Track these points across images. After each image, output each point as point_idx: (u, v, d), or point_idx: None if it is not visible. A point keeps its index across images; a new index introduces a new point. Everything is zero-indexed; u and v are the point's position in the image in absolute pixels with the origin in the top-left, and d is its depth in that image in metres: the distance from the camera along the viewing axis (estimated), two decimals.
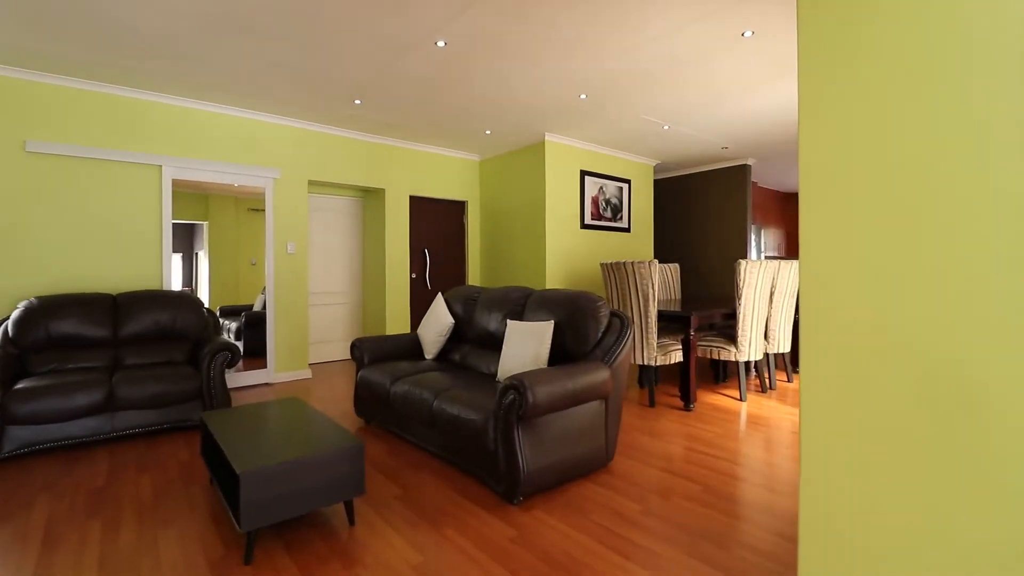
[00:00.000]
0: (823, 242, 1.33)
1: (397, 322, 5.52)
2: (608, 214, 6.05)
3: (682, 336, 4.01)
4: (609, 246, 6.09)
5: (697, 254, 7.15)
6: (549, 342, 2.71)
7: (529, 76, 3.76)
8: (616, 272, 3.91)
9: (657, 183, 7.59)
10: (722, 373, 4.62)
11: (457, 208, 6.19)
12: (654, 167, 6.80)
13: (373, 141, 5.32)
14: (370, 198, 5.71)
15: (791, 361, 5.21)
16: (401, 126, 4.99)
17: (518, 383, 2.18)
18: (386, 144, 5.43)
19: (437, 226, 5.99)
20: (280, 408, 2.50)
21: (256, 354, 4.66)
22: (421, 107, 4.43)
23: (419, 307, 5.76)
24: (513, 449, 2.21)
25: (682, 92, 4.14)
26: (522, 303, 3.13)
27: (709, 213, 7.02)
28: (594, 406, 2.51)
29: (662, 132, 5.29)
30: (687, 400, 3.69)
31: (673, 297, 5.38)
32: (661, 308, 3.94)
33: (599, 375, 2.47)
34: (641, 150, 6.10)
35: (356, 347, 3.41)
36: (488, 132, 5.23)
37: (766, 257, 9.20)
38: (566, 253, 5.59)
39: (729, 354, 3.96)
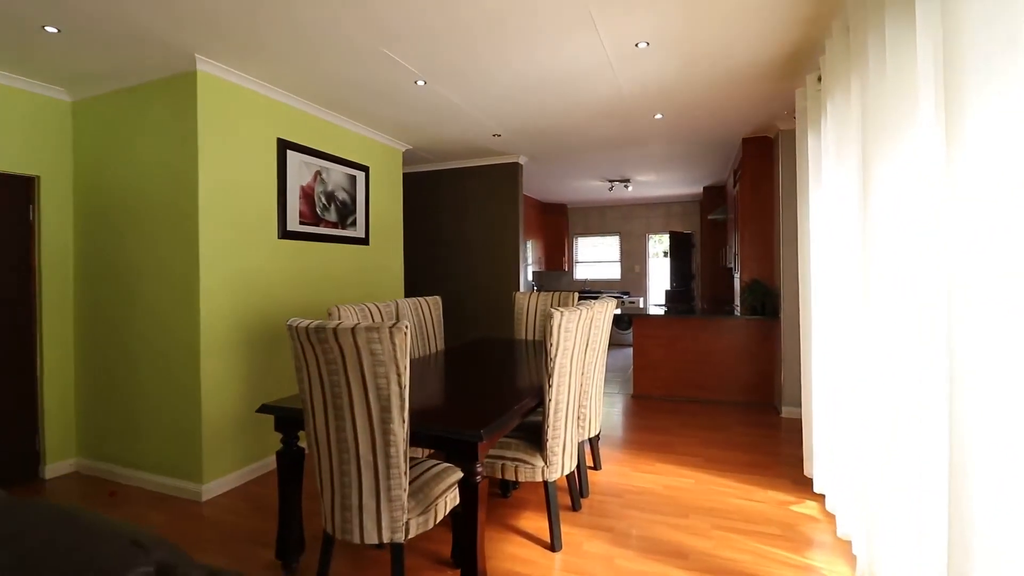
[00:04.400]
0: None
1: None
2: (332, 216, 3.83)
3: (456, 464, 2.12)
4: (336, 268, 3.87)
5: (460, 276, 5.50)
6: None
7: None
8: (318, 344, 1.76)
9: (407, 178, 5.68)
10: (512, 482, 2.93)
11: (13, 190, 3.09)
12: (403, 153, 4.87)
13: None
14: None
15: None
16: None
17: None
18: None
19: None
20: None
21: None
22: None
23: None
24: None
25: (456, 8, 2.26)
26: None
27: (475, 221, 5.44)
28: None
29: (415, 92, 3.36)
30: None
31: (432, 350, 3.50)
32: (416, 413, 1.96)
33: None
34: (385, 123, 4.07)
35: None
36: (54, 30, 2.45)
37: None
38: (251, 281, 3.16)
39: (533, 471, 2.25)
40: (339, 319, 2.62)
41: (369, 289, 4.25)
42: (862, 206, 1.85)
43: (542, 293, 3.91)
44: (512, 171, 5.27)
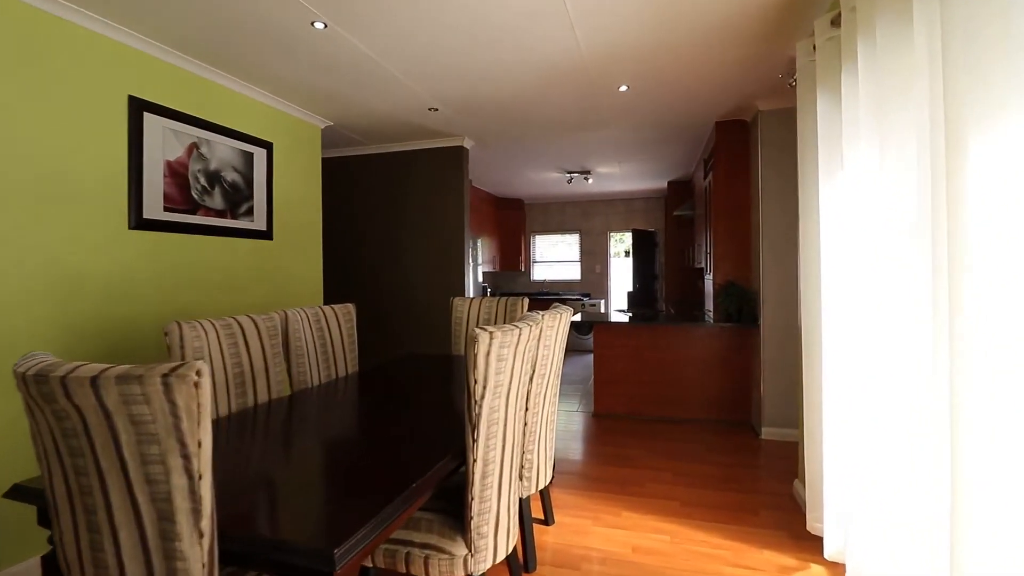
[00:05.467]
0: None
1: None
2: (216, 202, 3.01)
3: None
4: (223, 268, 3.06)
5: (396, 278, 4.73)
6: None
7: None
8: (45, 404, 1.00)
9: (329, 163, 4.88)
10: None
11: None
12: (324, 131, 4.08)
13: None
14: None
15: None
16: None
17: None
18: None
19: None
20: None
21: None
22: None
23: None
24: None
25: None
26: None
27: (414, 214, 4.69)
28: None
29: (316, 39, 2.60)
30: None
31: (341, 373, 2.74)
32: (237, 514, 1.23)
33: None
34: (291, 87, 3.27)
35: None
36: None
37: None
38: (82, 284, 2.32)
39: (451, 563, 1.55)
40: (180, 343, 1.84)
41: (273, 296, 3.44)
42: (940, 195, 1.24)
43: (485, 299, 3.22)
44: (456, 156, 4.56)
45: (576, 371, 6.34)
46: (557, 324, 2.10)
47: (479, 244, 6.18)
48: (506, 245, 8.21)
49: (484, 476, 1.54)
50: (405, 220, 4.69)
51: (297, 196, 3.70)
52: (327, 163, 4.82)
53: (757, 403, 3.79)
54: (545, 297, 8.21)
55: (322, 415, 2.04)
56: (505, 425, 1.62)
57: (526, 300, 3.11)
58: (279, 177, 3.51)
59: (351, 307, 2.81)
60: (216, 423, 1.86)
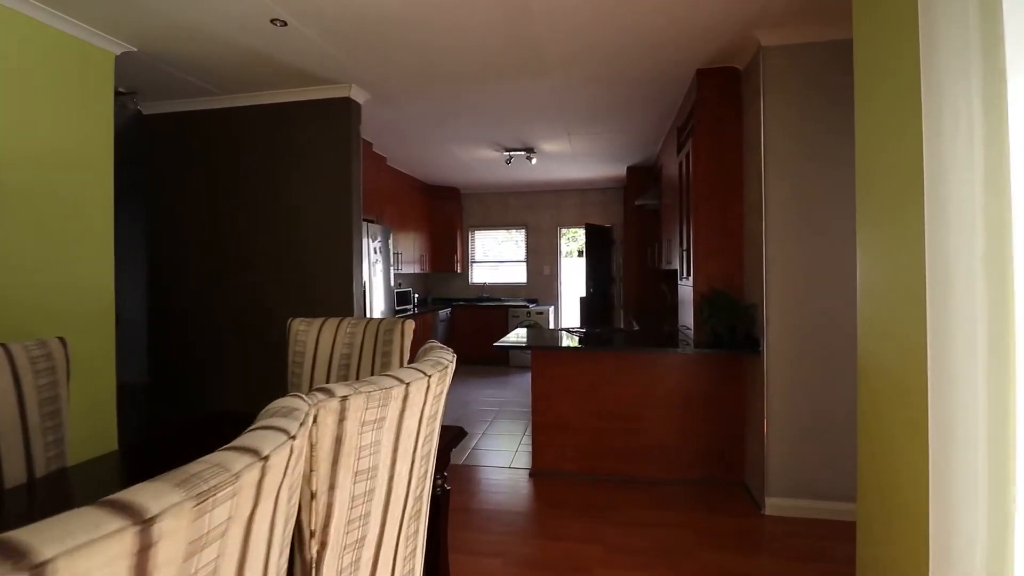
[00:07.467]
0: None
1: None
2: None
3: None
4: None
5: (241, 290, 3.36)
6: None
7: None
8: None
9: (160, 120, 3.45)
10: None
11: None
12: (118, 56, 2.67)
13: None
14: None
15: None
16: None
17: None
18: None
19: None
20: None
21: None
22: None
23: None
24: None
25: None
26: None
27: (276, 194, 3.34)
28: None
29: None
30: None
31: (6, 478, 1.39)
32: None
33: None
34: None
35: None
36: None
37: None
38: None
39: None
40: None
41: None
42: None
43: (346, 322, 1.96)
44: (342, 112, 3.25)
45: (520, 398, 5.14)
46: (399, 411, 0.85)
47: (391, 240, 4.86)
48: (439, 242, 6.94)
49: None
50: (263, 205, 3.34)
51: (60, 154, 2.30)
52: (159, 121, 3.41)
53: (757, 461, 2.71)
54: (485, 304, 6.99)
55: None
56: None
57: (409, 325, 1.86)
58: (10, 118, 2.10)
59: (53, 344, 1.47)
60: None
